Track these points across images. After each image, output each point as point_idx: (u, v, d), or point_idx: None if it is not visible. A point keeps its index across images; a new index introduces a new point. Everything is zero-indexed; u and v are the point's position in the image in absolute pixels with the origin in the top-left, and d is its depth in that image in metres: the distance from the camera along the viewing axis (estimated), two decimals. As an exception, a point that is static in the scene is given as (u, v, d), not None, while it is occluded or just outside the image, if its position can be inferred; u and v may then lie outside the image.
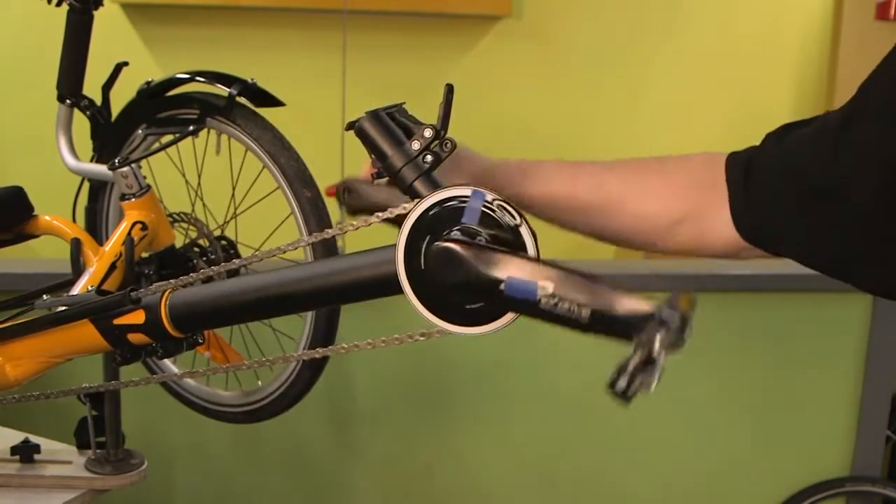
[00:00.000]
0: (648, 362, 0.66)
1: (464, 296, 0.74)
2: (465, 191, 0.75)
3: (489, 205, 0.74)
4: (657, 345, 0.65)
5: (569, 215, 0.94)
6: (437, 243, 0.73)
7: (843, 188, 0.76)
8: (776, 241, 0.84)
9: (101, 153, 1.39)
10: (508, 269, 0.70)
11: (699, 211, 0.87)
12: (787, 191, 0.81)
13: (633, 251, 0.99)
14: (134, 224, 1.26)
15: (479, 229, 0.73)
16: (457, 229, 0.74)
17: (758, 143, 0.88)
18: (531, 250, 0.74)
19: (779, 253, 0.85)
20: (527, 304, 0.70)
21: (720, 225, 0.86)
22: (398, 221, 0.78)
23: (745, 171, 0.85)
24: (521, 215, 0.73)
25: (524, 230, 0.74)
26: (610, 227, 0.93)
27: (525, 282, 0.70)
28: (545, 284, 0.69)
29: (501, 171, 0.96)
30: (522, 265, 0.70)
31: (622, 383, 0.66)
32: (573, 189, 0.93)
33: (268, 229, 1.34)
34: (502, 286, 0.70)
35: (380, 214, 0.82)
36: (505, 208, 0.73)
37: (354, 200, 0.97)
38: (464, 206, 0.74)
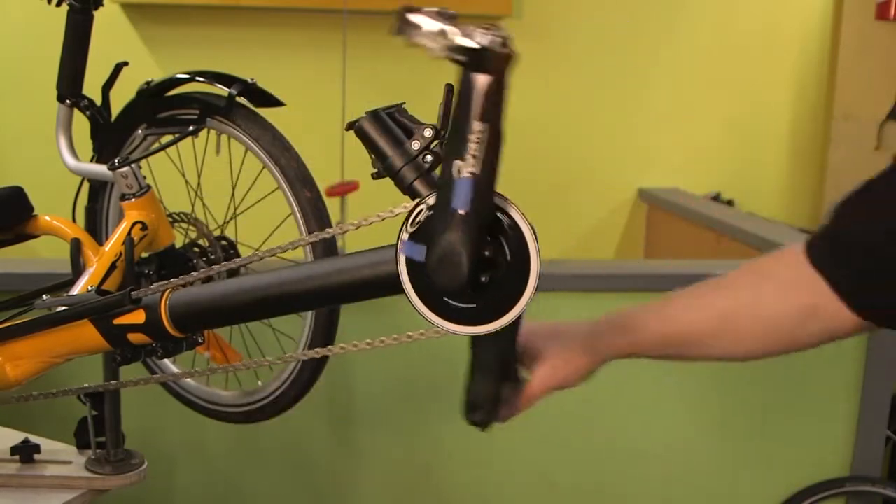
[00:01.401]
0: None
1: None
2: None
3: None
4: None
5: (690, 352, 0.92)
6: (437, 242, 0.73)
7: None
8: (883, 313, 0.83)
9: (101, 153, 1.39)
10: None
11: (812, 305, 0.85)
12: (874, 258, 0.80)
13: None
14: (134, 224, 1.26)
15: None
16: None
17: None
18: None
19: (887, 324, 0.84)
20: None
21: (837, 310, 0.84)
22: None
23: (832, 250, 0.84)
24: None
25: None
26: (735, 348, 0.91)
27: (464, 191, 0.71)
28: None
29: (606, 334, 0.94)
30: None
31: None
32: (682, 327, 0.91)
33: (268, 229, 1.34)
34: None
35: (381, 214, 0.82)
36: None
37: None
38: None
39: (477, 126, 0.69)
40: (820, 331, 0.87)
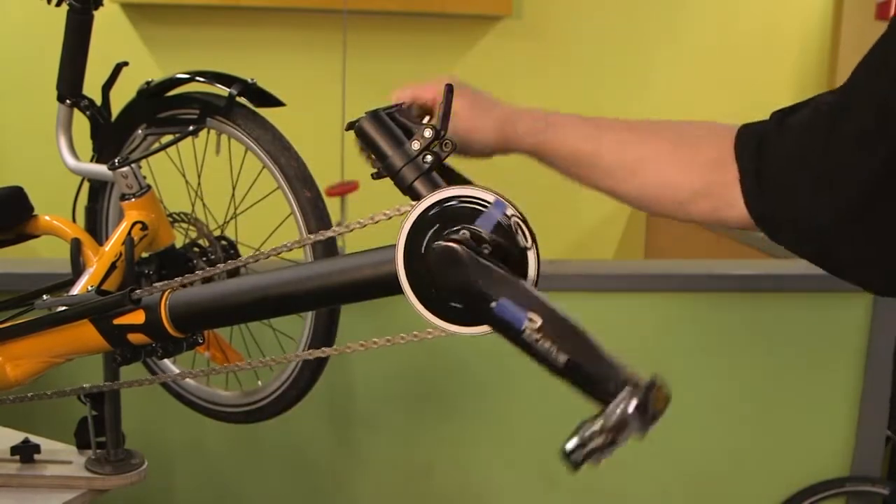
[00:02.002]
0: (610, 444, 0.66)
1: (454, 297, 0.74)
2: (464, 190, 0.75)
3: (507, 218, 0.74)
4: (626, 432, 0.66)
5: (589, 173, 0.94)
6: (440, 242, 0.73)
7: (836, 181, 0.76)
8: (776, 229, 0.84)
9: (101, 153, 1.39)
10: (504, 291, 0.71)
11: (714, 188, 0.87)
12: (789, 177, 0.80)
13: (635, 243, 0.99)
14: (134, 224, 1.26)
15: (486, 237, 0.73)
16: (465, 229, 0.74)
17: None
18: (532, 277, 0.74)
19: (777, 241, 0.84)
20: (510, 330, 0.71)
21: (734, 203, 0.86)
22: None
23: (755, 150, 0.84)
24: (534, 239, 0.73)
25: (532, 255, 0.74)
26: (629, 191, 0.93)
27: (517, 309, 0.70)
28: (534, 318, 0.70)
29: (525, 120, 0.96)
30: (519, 291, 0.71)
31: (578, 456, 0.67)
32: (597, 148, 0.93)
33: (268, 229, 1.34)
34: (493, 304, 0.71)
35: (381, 214, 0.82)
36: (521, 227, 0.73)
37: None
38: (467, 207, 0.74)
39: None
40: (709, 210, 0.89)
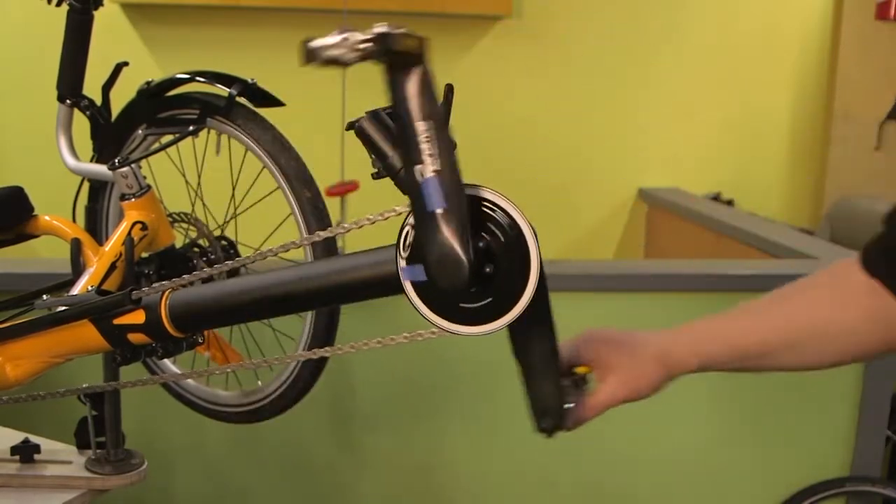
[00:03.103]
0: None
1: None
2: (468, 190, 0.75)
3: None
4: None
5: (763, 361, 0.93)
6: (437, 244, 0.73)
7: None
8: None
9: (101, 153, 1.39)
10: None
11: (871, 316, 0.87)
12: None
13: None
14: (134, 224, 1.26)
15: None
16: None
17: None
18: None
19: None
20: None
21: None
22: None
23: (889, 258, 0.85)
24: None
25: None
26: (811, 362, 0.92)
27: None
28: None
29: (678, 348, 0.93)
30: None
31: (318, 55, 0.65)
32: (758, 340, 0.92)
33: (268, 229, 1.34)
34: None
35: (381, 214, 0.82)
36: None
37: None
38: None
39: (421, 126, 0.70)
40: (881, 340, 0.88)
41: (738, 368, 0.94)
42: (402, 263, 0.76)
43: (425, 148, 0.71)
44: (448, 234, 0.72)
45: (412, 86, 0.70)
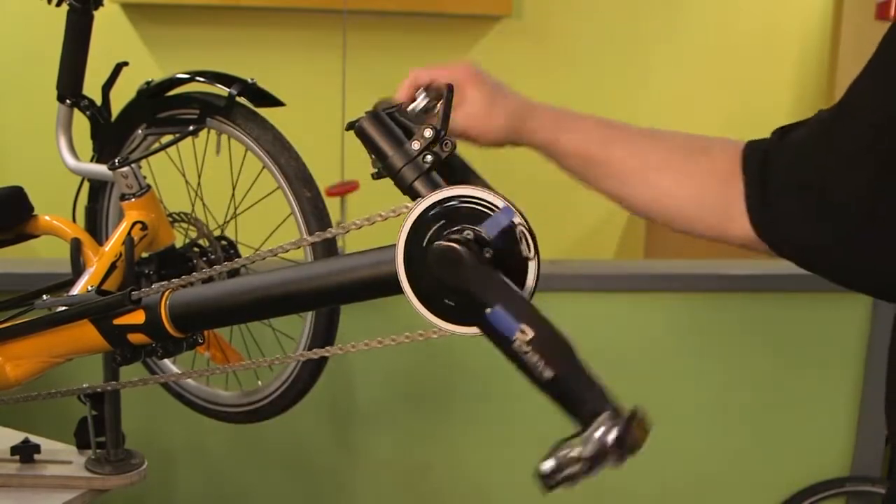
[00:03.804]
0: (587, 465, 0.67)
1: (450, 295, 0.74)
2: (464, 190, 0.75)
3: (513, 226, 0.73)
4: (604, 462, 0.67)
5: (598, 176, 0.94)
6: (441, 242, 0.73)
7: (836, 188, 0.76)
8: (780, 245, 0.84)
9: (101, 153, 1.39)
10: (500, 299, 0.71)
11: (720, 201, 0.87)
12: (791, 192, 0.80)
13: (635, 244, 0.99)
14: (134, 224, 1.26)
15: (489, 240, 0.73)
16: (467, 229, 0.74)
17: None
18: (530, 287, 0.74)
19: (782, 256, 0.84)
20: (501, 339, 0.72)
21: (738, 218, 0.85)
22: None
23: (760, 166, 0.84)
24: (536, 251, 0.73)
25: (532, 265, 0.74)
26: (635, 197, 0.93)
27: (510, 319, 0.70)
28: (526, 330, 0.70)
29: (539, 116, 0.96)
30: (515, 301, 0.71)
31: (553, 480, 0.68)
32: (609, 153, 0.93)
33: (268, 229, 1.34)
34: (488, 311, 0.71)
35: (381, 214, 0.82)
36: (525, 236, 0.73)
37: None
38: (467, 207, 0.74)
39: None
40: (713, 224, 0.88)
41: (573, 170, 0.95)
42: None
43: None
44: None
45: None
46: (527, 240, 0.73)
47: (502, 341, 0.72)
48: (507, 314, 0.71)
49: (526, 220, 0.74)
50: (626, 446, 0.67)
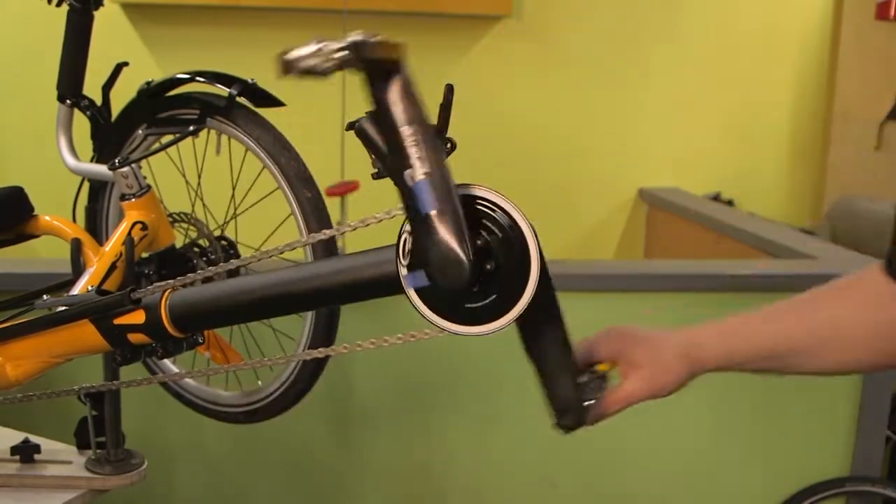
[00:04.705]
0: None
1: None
2: (464, 190, 0.75)
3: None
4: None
5: (786, 363, 0.92)
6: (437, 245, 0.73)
7: None
8: None
9: (101, 153, 1.39)
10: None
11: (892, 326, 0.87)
12: None
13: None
14: (134, 224, 1.26)
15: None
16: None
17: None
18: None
19: None
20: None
21: None
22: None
23: None
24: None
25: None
26: (828, 367, 0.92)
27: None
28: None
29: (704, 343, 0.93)
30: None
31: (295, 67, 0.65)
32: (779, 345, 0.91)
33: (268, 229, 1.34)
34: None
35: (380, 214, 0.82)
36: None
37: None
38: (467, 206, 0.75)
39: (407, 131, 0.70)
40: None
41: (759, 369, 0.93)
42: (404, 271, 0.76)
43: (413, 152, 0.71)
44: (446, 235, 0.72)
45: (393, 93, 0.70)
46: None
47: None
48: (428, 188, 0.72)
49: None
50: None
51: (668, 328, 0.95)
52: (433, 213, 0.72)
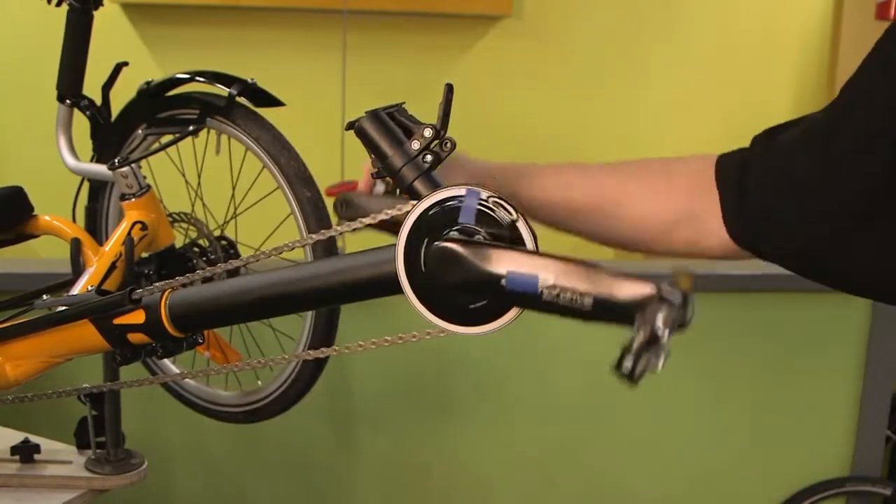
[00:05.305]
0: (652, 341, 0.65)
1: (466, 294, 0.74)
2: (464, 190, 0.75)
3: (485, 202, 0.74)
4: (660, 322, 0.65)
5: (566, 218, 0.94)
6: (436, 243, 0.73)
7: (833, 189, 0.75)
8: (764, 251, 0.83)
9: (101, 153, 1.39)
10: (508, 264, 0.70)
11: (694, 214, 0.87)
12: (779, 196, 0.80)
13: (632, 253, 0.99)
14: (134, 224, 1.26)
15: (478, 228, 0.73)
16: (455, 229, 0.74)
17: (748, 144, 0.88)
18: (529, 244, 0.74)
19: (764, 257, 0.84)
20: (529, 298, 0.70)
21: (715, 228, 0.85)
22: (394, 230, 0.77)
23: (737, 175, 0.84)
24: (517, 210, 0.73)
25: (521, 224, 0.74)
26: (607, 230, 0.93)
27: (525, 275, 0.70)
28: (545, 276, 0.69)
29: (499, 174, 0.96)
30: (521, 258, 0.70)
31: (628, 364, 0.65)
32: (570, 192, 0.93)
33: (268, 229, 1.34)
34: (503, 281, 0.70)
35: (381, 215, 0.82)
36: (501, 205, 0.73)
37: (352, 213, 0.97)
38: (462, 206, 0.74)
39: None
40: (689, 240, 0.88)
41: (545, 221, 0.94)
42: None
43: None
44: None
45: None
46: (503, 206, 0.73)
47: (533, 299, 0.70)
48: (520, 272, 0.70)
49: (494, 192, 0.73)
50: (677, 300, 0.66)
51: (479, 162, 0.96)
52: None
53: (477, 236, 0.73)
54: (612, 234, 0.93)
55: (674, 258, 0.92)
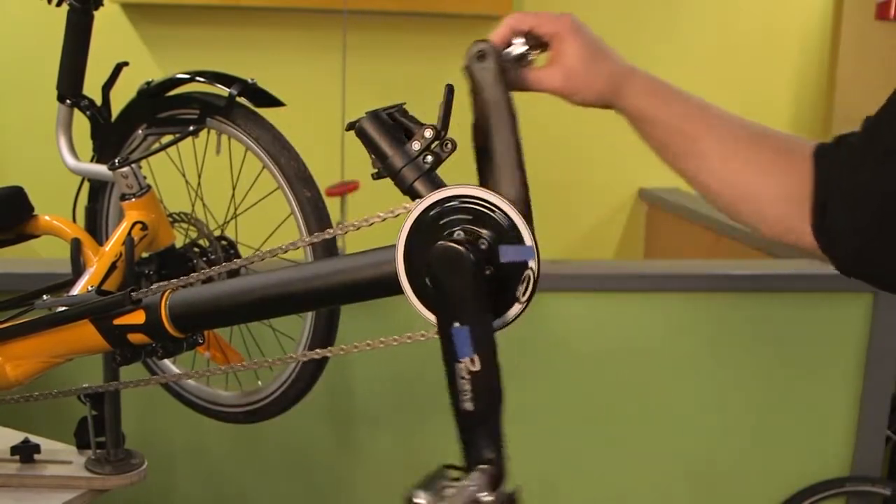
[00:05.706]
0: None
1: (433, 287, 0.75)
2: (464, 190, 0.75)
3: (526, 266, 0.75)
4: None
5: (679, 154, 0.90)
6: (450, 243, 0.73)
7: (862, 195, 0.75)
8: (844, 257, 0.82)
9: (101, 153, 1.39)
10: (472, 322, 0.73)
11: (791, 211, 0.84)
12: (847, 203, 0.79)
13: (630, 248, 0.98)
14: (134, 224, 1.26)
15: (498, 261, 0.74)
16: (485, 241, 0.75)
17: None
18: (504, 322, 0.76)
19: (845, 271, 0.82)
20: (449, 352, 0.75)
21: (801, 224, 0.83)
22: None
23: (823, 183, 0.82)
24: (529, 299, 0.75)
25: (518, 308, 0.76)
26: (711, 185, 0.89)
27: (468, 344, 0.74)
28: (475, 362, 0.75)
29: (636, 81, 0.92)
30: (482, 333, 0.74)
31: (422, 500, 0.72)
32: (697, 132, 0.88)
33: (268, 229, 1.34)
34: (456, 324, 0.73)
35: (381, 214, 0.82)
36: (529, 282, 0.75)
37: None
38: (468, 207, 0.75)
39: None
40: (780, 232, 0.86)
41: (655, 140, 0.91)
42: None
43: None
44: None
45: None
46: (528, 286, 0.74)
47: (450, 356, 0.74)
48: (469, 338, 0.72)
49: (538, 269, 0.74)
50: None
51: (621, 58, 0.92)
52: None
53: (489, 266, 0.74)
54: (713, 189, 0.89)
55: (759, 234, 0.90)
